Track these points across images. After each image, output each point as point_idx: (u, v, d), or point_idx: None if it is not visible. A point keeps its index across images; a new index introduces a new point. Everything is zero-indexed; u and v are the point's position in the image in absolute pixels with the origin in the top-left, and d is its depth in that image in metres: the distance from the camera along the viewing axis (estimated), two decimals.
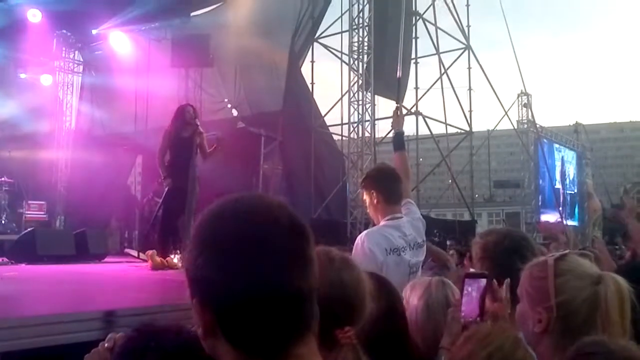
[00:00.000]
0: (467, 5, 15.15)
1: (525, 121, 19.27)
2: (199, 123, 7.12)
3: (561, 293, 1.48)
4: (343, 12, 12.88)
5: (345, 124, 12.35)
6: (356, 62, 11.74)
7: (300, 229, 0.96)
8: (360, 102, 11.61)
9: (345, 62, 12.75)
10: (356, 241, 3.18)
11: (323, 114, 13.71)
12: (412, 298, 2.05)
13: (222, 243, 0.92)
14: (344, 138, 13.07)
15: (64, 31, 13.82)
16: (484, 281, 1.79)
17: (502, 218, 29.29)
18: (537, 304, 1.52)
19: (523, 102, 19.01)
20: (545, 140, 19.73)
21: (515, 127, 18.70)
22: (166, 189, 6.94)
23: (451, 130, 15.37)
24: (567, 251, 1.59)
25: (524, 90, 18.79)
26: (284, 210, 0.97)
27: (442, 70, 14.54)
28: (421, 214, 3.56)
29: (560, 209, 19.82)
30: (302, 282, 0.93)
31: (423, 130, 14.21)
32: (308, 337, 0.95)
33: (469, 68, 14.98)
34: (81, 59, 14.73)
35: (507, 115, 16.24)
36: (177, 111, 7.13)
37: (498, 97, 15.35)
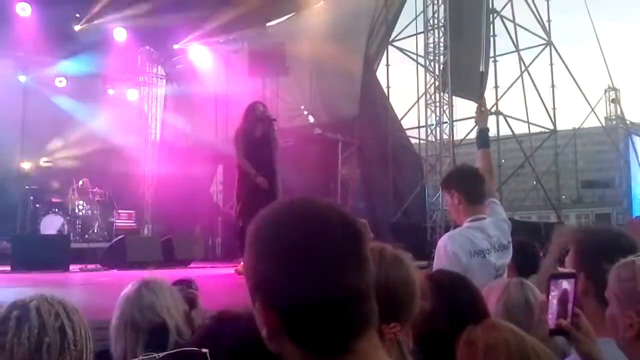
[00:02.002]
0: None
1: (614, 117, 18.31)
2: (272, 117, 6.88)
3: None
4: (417, 13, 12.72)
5: (423, 126, 12.19)
6: (432, 63, 11.57)
7: (354, 229, 0.98)
8: (438, 104, 11.43)
9: (421, 64, 12.59)
10: (438, 244, 3.10)
11: (399, 118, 13.59)
12: (489, 300, 1.98)
13: (280, 248, 0.95)
14: (421, 141, 12.90)
15: (147, 47, 14.45)
16: (571, 281, 1.72)
17: (591, 220, 27.95)
18: (627, 308, 1.44)
19: (611, 98, 18.05)
20: (636, 136, 18.68)
21: (603, 124, 17.81)
22: (246, 192, 6.54)
23: (534, 129, 14.81)
24: None
25: (611, 85, 17.83)
26: (336, 211, 0.99)
27: (523, 68, 14.09)
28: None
29: None
30: (359, 280, 0.96)
31: (504, 131, 13.79)
32: (369, 332, 0.98)
33: (551, 64, 14.39)
34: (164, 73, 15.31)
35: (594, 112, 15.47)
36: (247, 110, 6.80)
37: (583, 93, 14.70)
